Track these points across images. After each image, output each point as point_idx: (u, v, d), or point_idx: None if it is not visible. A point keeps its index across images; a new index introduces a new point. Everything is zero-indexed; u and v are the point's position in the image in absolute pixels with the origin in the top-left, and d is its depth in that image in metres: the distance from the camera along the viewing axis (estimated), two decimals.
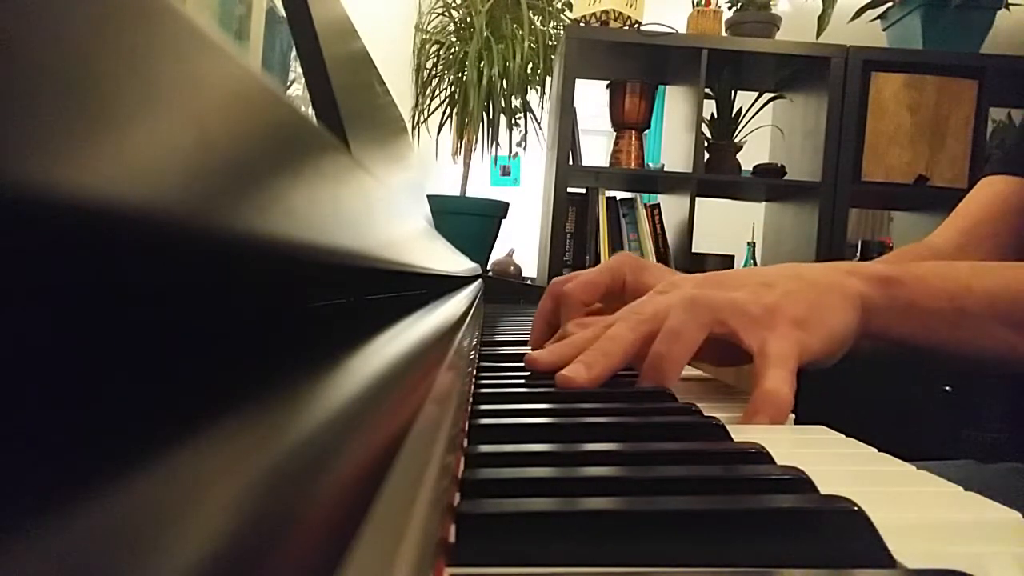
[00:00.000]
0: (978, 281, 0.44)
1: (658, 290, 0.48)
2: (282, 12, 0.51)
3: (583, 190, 2.09)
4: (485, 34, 2.36)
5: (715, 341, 0.41)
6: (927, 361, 0.46)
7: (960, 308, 0.43)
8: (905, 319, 0.43)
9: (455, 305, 0.45)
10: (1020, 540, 0.21)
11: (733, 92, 2.10)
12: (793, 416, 0.39)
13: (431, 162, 2.98)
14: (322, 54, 0.35)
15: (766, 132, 2.26)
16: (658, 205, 2.13)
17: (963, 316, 0.43)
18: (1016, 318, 0.43)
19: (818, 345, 0.41)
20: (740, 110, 2.10)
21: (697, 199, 1.96)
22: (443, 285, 0.64)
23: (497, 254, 2.48)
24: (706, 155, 2.07)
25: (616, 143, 2.12)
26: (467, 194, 2.50)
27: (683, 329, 0.40)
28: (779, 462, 0.26)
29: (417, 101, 2.58)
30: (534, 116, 2.65)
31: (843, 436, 0.34)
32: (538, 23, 2.53)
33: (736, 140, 2.09)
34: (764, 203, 2.32)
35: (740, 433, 0.31)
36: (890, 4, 2.07)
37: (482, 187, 3.79)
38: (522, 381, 0.43)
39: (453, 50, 2.54)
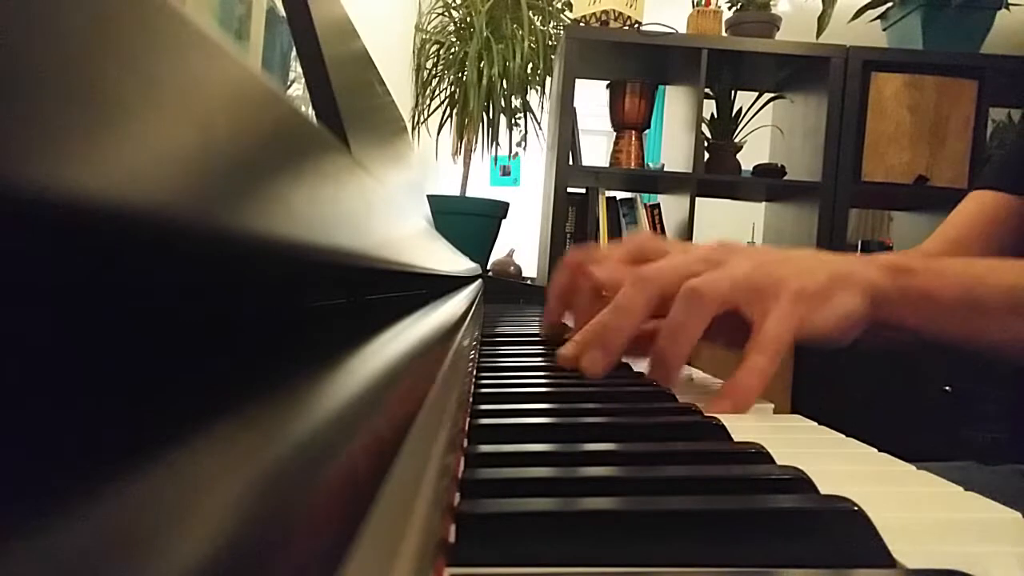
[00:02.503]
0: (994, 274, 0.44)
1: (678, 250, 0.48)
2: (282, 12, 0.51)
3: (583, 190, 2.09)
4: (485, 34, 2.36)
5: (723, 320, 0.42)
6: (943, 351, 0.46)
7: (975, 299, 0.43)
8: (919, 309, 0.44)
9: (455, 305, 0.45)
10: (1020, 540, 0.21)
11: (733, 92, 2.10)
12: (772, 405, 0.40)
13: (431, 162, 2.98)
14: (322, 54, 0.35)
15: (766, 132, 2.26)
16: (658, 205, 2.13)
17: (978, 307, 0.43)
18: None
19: (820, 322, 0.42)
20: (740, 110, 2.10)
21: (697, 199, 1.96)
22: (443, 285, 0.64)
23: (497, 254, 2.48)
24: (706, 155, 2.07)
25: (616, 143, 2.12)
26: (467, 194, 2.50)
27: (684, 323, 0.41)
28: (779, 462, 0.26)
29: (417, 101, 2.58)
30: (534, 116, 2.65)
31: (843, 436, 0.34)
32: (538, 23, 2.53)
33: (736, 140, 2.09)
34: (764, 203, 2.32)
35: (740, 433, 0.31)
36: (890, 4, 2.07)
37: (482, 187, 3.79)
38: (522, 381, 0.43)
39: (453, 50, 2.54)
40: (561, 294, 0.56)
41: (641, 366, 0.50)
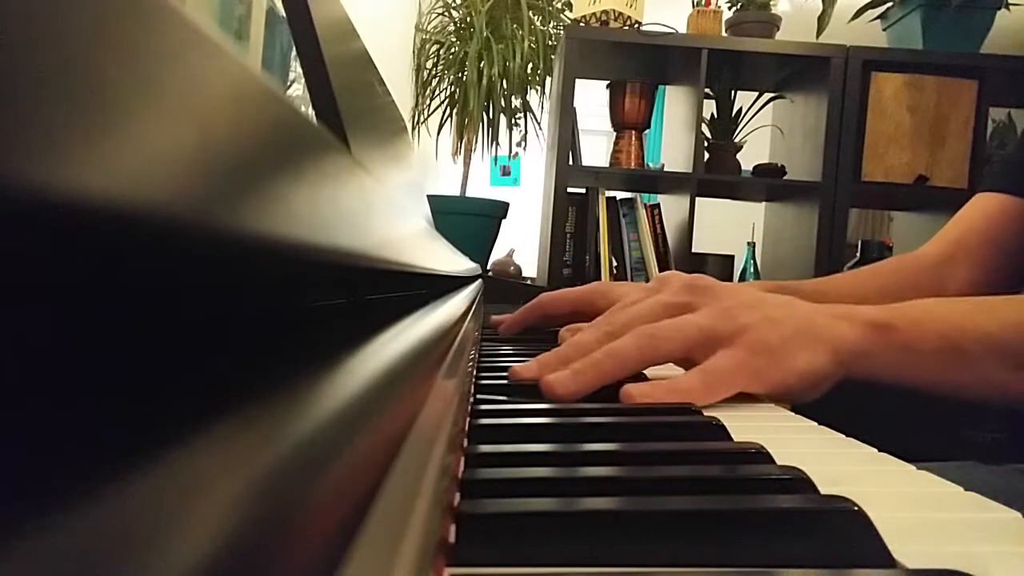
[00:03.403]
0: (973, 321, 0.43)
1: (648, 288, 0.49)
2: (282, 12, 0.51)
3: (583, 190, 2.09)
4: (485, 34, 2.36)
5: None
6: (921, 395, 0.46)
7: (956, 348, 0.42)
8: (898, 364, 0.43)
9: (455, 305, 0.45)
10: (1020, 540, 0.21)
11: (733, 92, 2.10)
12: (772, 405, 0.40)
13: (431, 162, 2.98)
14: (322, 54, 0.35)
15: (766, 132, 2.25)
16: (658, 205, 2.13)
17: (959, 357, 0.42)
18: (1015, 358, 0.42)
19: (776, 379, 0.40)
20: (740, 110, 2.10)
21: (697, 199, 1.96)
22: (443, 285, 0.64)
23: (497, 254, 2.48)
24: (706, 155, 2.07)
25: (616, 143, 2.11)
26: (467, 194, 2.50)
27: (624, 354, 0.41)
28: (779, 462, 0.26)
29: (417, 101, 2.58)
30: (534, 116, 2.65)
31: (843, 436, 0.34)
32: (538, 23, 2.53)
33: (736, 140, 2.09)
34: (764, 203, 2.32)
35: (740, 433, 0.31)
36: (890, 4, 2.07)
37: (482, 187, 3.79)
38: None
39: (453, 50, 2.54)
40: (526, 318, 0.67)
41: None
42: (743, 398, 0.41)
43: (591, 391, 0.40)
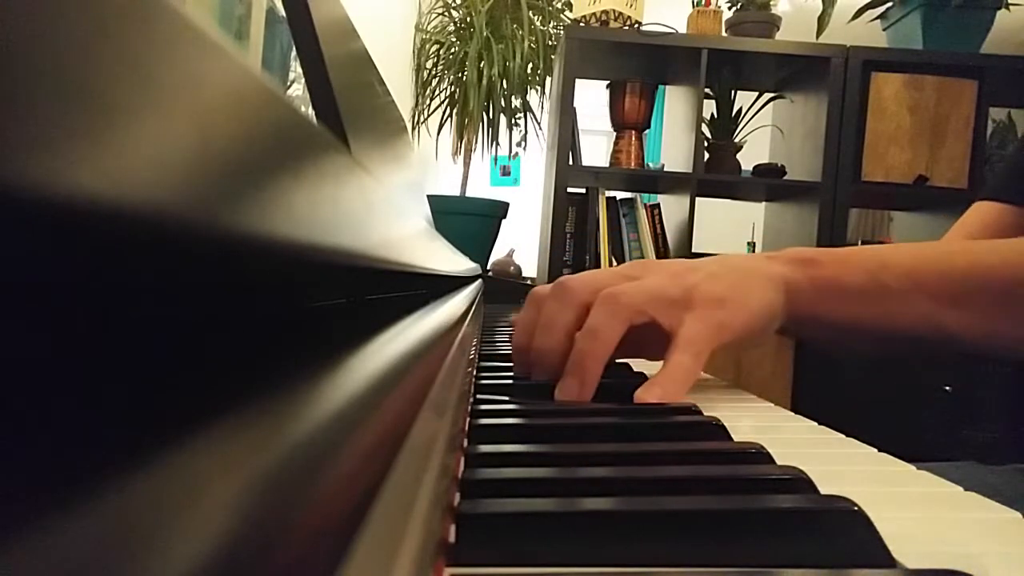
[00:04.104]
0: (896, 256, 0.45)
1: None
2: (282, 12, 0.51)
3: (583, 190, 2.09)
4: (485, 34, 2.36)
5: (640, 333, 0.42)
6: (854, 342, 0.47)
7: (880, 283, 0.44)
8: (827, 297, 0.44)
9: (455, 305, 0.45)
10: (1020, 540, 0.21)
11: (733, 92, 2.10)
12: (772, 405, 0.40)
13: (431, 162, 2.98)
14: (322, 54, 0.35)
15: (766, 132, 2.26)
16: (658, 205, 2.13)
17: (884, 291, 0.44)
18: (937, 290, 0.44)
19: (739, 323, 0.42)
20: (740, 110, 2.10)
21: (697, 199, 1.96)
22: (443, 285, 0.64)
23: (497, 254, 2.48)
24: (706, 155, 2.07)
25: (616, 143, 2.12)
26: (467, 194, 2.50)
27: (601, 326, 0.41)
28: (779, 462, 0.26)
29: (417, 101, 2.58)
30: (534, 116, 2.65)
31: (843, 436, 0.34)
32: (538, 23, 2.53)
33: (736, 140, 2.09)
34: (764, 203, 2.32)
35: (740, 433, 0.31)
36: (890, 4, 2.07)
37: (482, 187, 3.79)
38: (522, 381, 0.43)
39: (453, 50, 2.54)
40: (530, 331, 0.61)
41: (640, 366, 0.50)
42: (743, 398, 0.41)
43: (598, 378, 0.41)
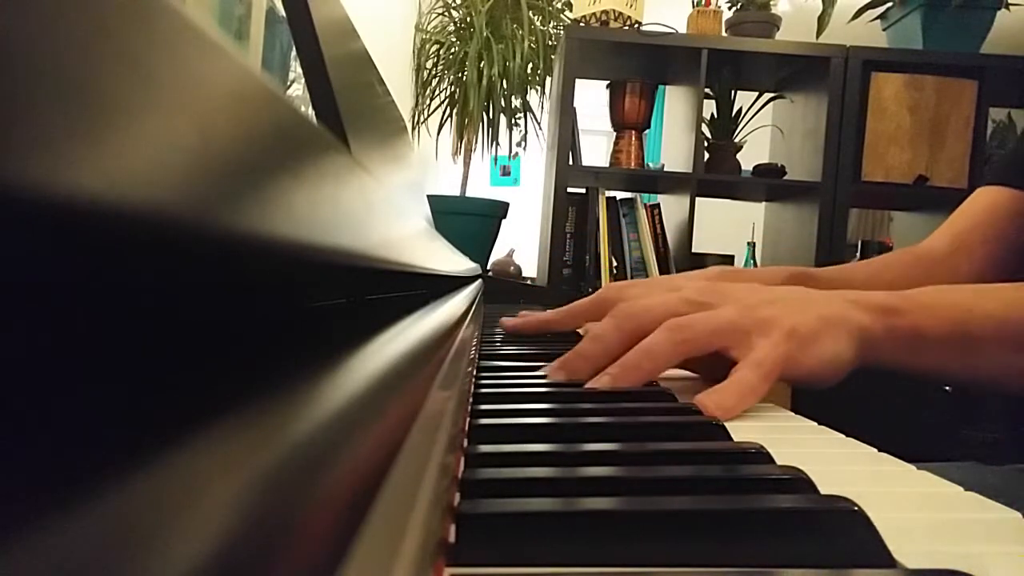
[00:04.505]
0: (981, 305, 0.43)
1: (654, 283, 0.49)
2: (282, 12, 0.51)
3: (583, 190, 2.09)
4: (485, 34, 2.36)
5: (705, 361, 0.42)
6: (933, 382, 0.46)
7: (965, 334, 0.42)
8: (909, 349, 0.43)
9: (455, 305, 0.45)
10: (1020, 540, 0.21)
11: (733, 92, 2.10)
12: (772, 405, 0.39)
13: (431, 162, 2.98)
14: (322, 54, 0.35)
15: (766, 132, 2.25)
16: (658, 205, 2.13)
17: (968, 342, 0.42)
18: (1022, 341, 0.42)
19: (806, 368, 0.41)
20: (740, 110, 2.10)
21: (697, 199, 1.96)
22: (443, 285, 0.64)
23: (497, 254, 2.48)
24: (706, 155, 2.07)
25: (616, 143, 2.11)
26: (467, 194, 2.50)
27: (659, 350, 0.41)
28: (779, 462, 0.26)
29: (417, 101, 2.58)
30: (534, 116, 2.65)
31: (843, 436, 0.34)
32: (538, 23, 2.53)
33: (736, 140, 2.09)
34: (764, 203, 2.32)
35: (740, 433, 0.31)
36: (890, 4, 2.07)
37: (482, 187, 3.79)
38: (522, 381, 0.43)
39: (453, 50, 2.54)
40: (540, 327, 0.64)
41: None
42: None
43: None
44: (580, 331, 0.66)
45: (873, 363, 0.43)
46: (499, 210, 2.13)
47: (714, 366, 0.43)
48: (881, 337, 0.43)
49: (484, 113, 2.45)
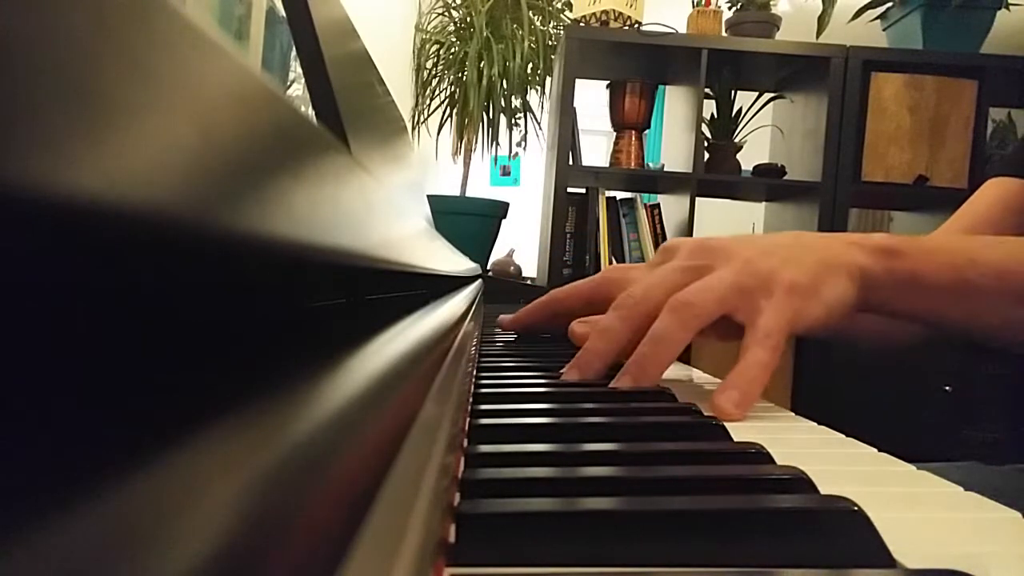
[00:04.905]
0: (985, 254, 0.43)
1: (652, 263, 0.48)
2: (282, 12, 0.51)
3: (583, 190, 2.09)
4: (485, 34, 2.36)
5: (713, 323, 0.41)
6: (932, 334, 0.46)
7: (965, 280, 0.42)
8: (907, 292, 0.42)
9: (455, 305, 0.45)
10: (1020, 540, 0.21)
11: (733, 92, 2.10)
12: (772, 405, 0.40)
13: (431, 162, 2.98)
14: (322, 54, 0.35)
15: (766, 132, 2.26)
16: (658, 205, 2.13)
17: (969, 289, 0.42)
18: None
19: (813, 316, 0.41)
20: (740, 110, 2.10)
21: (697, 199, 1.96)
22: (443, 285, 0.64)
23: (497, 254, 2.48)
24: (706, 155, 2.07)
25: (616, 143, 2.12)
26: (467, 194, 2.50)
27: (669, 335, 0.40)
28: (779, 462, 0.26)
29: (417, 101, 2.59)
30: (534, 116, 2.65)
31: (843, 436, 0.34)
32: (538, 23, 2.53)
33: (736, 140, 2.09)
34: (764, 203, 2.32)
35: (740, 433, 0.31)
36: (890, 4, 2.07)
37: (482, 187, 3.79)
38: (522, 381, 0.43)
39: (453, 50, 2.54)
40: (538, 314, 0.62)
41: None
42: None
43: (656, 382, 0.40)
44: (579, 328, 0.65)
45: (874, 305, 0.43)
46: (499, 210, 2.13)
47: (722, 326, 0.42)
48: (881, 278, 0.42)
49: (484, 113, 2.45)
